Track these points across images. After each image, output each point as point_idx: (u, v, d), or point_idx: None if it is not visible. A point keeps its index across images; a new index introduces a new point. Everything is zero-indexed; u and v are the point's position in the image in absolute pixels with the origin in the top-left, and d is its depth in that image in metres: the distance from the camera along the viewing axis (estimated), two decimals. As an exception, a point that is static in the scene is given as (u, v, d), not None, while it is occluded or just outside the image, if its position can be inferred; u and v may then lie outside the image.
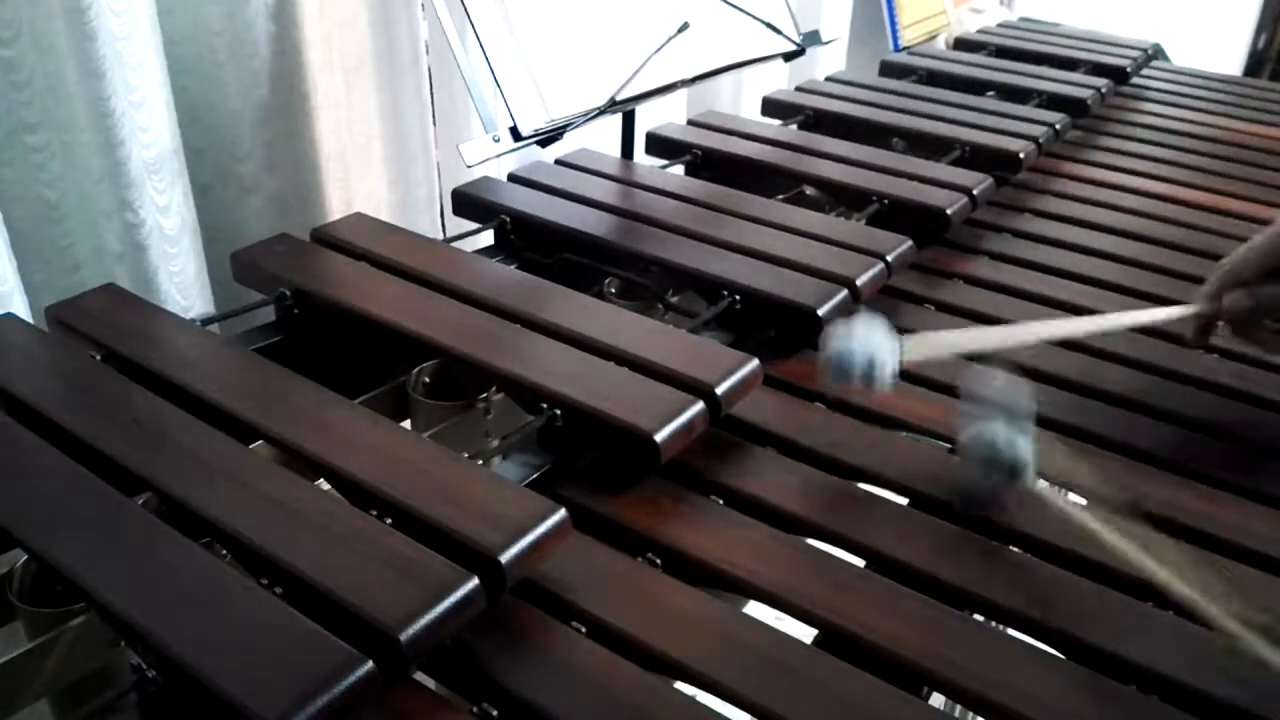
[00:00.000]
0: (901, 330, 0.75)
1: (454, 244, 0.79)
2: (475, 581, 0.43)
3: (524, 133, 0.81)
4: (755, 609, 0.51)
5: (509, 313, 0.66)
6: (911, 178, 0.95)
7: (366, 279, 0.71)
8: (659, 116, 1.13)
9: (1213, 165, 1.15)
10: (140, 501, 0.48)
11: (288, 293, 0.70)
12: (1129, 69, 1.43)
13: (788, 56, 1.09)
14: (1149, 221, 0.98)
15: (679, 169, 1.02)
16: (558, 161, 0.96)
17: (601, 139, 1.05)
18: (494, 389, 0.62)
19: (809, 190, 0.98)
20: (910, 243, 0.81)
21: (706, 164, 1.02)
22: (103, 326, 0.62)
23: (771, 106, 1.21)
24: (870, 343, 0.60)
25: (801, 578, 0.51)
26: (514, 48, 0.83)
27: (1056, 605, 0.50)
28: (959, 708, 0.47)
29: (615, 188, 0.91)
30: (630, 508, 0.55)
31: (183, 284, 0.83)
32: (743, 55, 1.02)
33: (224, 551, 0.46)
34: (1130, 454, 0.63)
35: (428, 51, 1.04)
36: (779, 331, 0.73)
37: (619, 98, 0.88)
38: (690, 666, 0.46)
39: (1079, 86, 1.29)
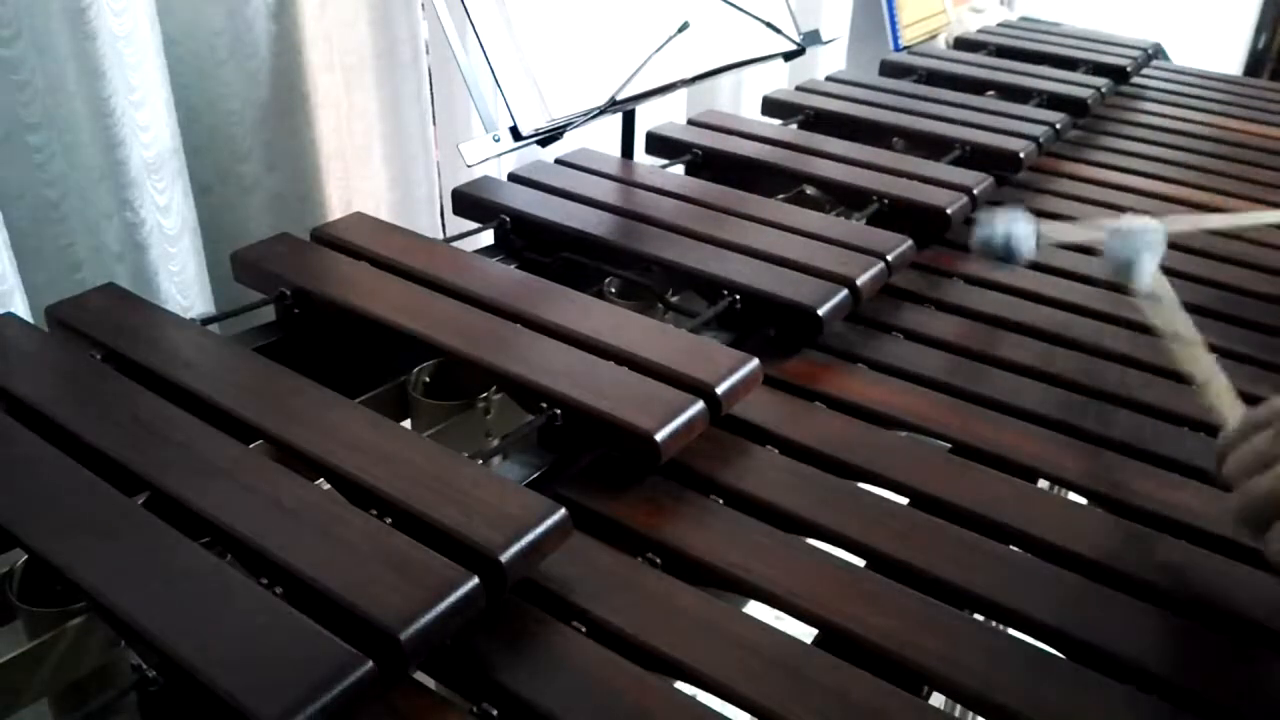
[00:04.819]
0: (904, 332, 0.76)
1: (454, 244, 0.79)
2: (475, 581, 0.43)
3: (524, 132, 0.82)
4: (755, 609, 0.51)
5: (509, 313, 0.66)
6: (911, 177, 0.95)
7: (366, 279, 0.71)
8: (659, 116, 1.13)
9: (1213, 165, 1.15)
10: (140, 501, 0.48)
11: (288, 292, 0.70)
12: (1129, 69, 1.43)
13: (788, 56, 1.09)
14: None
15: (679, 169, 1.02)
16: (558, 161, 0.96)
17: (601, 139, 1.05)
18: (494, 389, 0.62)
19: (809, 190, 0.98)
20: (910, 242, 0.81)
21: (706, 164, 1.02)
22: (103, 326, 0.62)
23: (771, 106, 1.21)
24: (1010, 223, 0.76)
25: (801, 578, 0.51)
26: (514, 48, 0.83)
27: (1058, 605, 0.50)
28: (959, 708, 0.47)
29: (615, 187, 0.91)
30: (630, 508, 0.55)
31: (183, 284, 0.83)
32: (743, 55, 1.03)
33: (224, 552, 0.46)
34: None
35: (428, 51, 1.04)
36: (779, 331, 0.73)
37: (619, 97, 0.88)
38: (690, 666, 0.45)
39: (1079, 86, 1.29)
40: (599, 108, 0.86)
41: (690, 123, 1.10)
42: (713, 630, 0.47)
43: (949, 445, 0.63)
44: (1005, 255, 0.77)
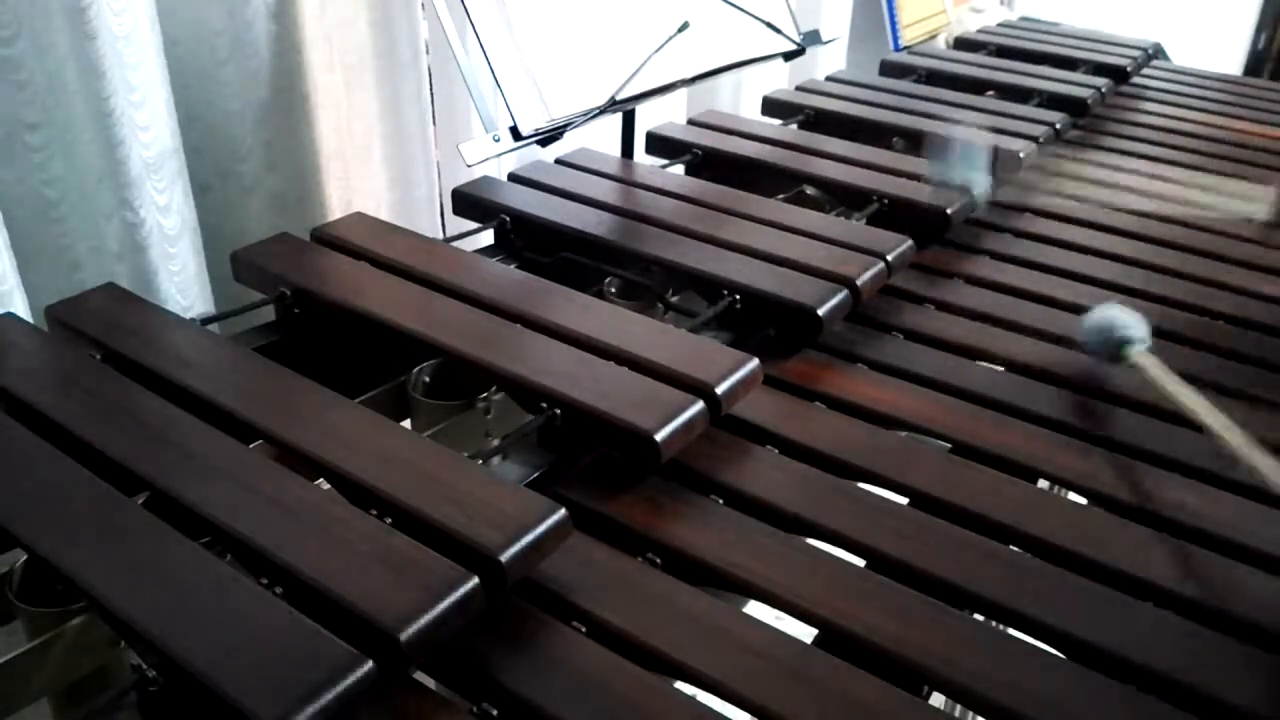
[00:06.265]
0: (904, 332, 0.76)
1: (454, 244, 0.79)
2: (475, 581, 0.43)
3: (524, 132, 0.82)
4: (755, 609, 0.51)
5: (509, 313, 0.66)
6: (911, 177, 0.95)
7: (366, 279, 0.71)
8: (659, 116, 1.13)
9: (1213, 165, 1.15)
10: (140, 501, 0.48)
11: (288, 292, 0.70)
12: (1129, 69, 1.43)
13: (788, 56, 1.09)
14: (1149, 221, 0.98)
15: (679, 169, 1.02)
16: (558, 161, 0.96)
17: (601, 139, 1.05)
18: (494, 389, 0.62)
19: (809, 190, 0.98)
20: (910, 242, 0.81)
21: (706, 164, 1.02)
22: (103, 326, 0.62)
23: (771, 106, 1.21)
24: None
25: (801, 578, 0.51)
26: (514, 48, 0.83)
27: (1058, 605, 0.50)
28: (959, 708, 0.47)
29: (615, 187, 0.91)
30: (630, 508, 0.55)
31: (183, 284, 0.83)
32: (743, 55, 1.02)
33: (224, 552, 0.46)
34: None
35: (428, 51, 1.04)
36: (779, 331, 0.73)
37: (619, 97, 0.88)
38: (690, 666, 0.46)
39: (1079, 86, 1.29)
40: (599, 108, 0.86)
41: (690, 123, 1.10)
42: (713, 630, 0.47)
43: (949, 445, 0.63)
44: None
